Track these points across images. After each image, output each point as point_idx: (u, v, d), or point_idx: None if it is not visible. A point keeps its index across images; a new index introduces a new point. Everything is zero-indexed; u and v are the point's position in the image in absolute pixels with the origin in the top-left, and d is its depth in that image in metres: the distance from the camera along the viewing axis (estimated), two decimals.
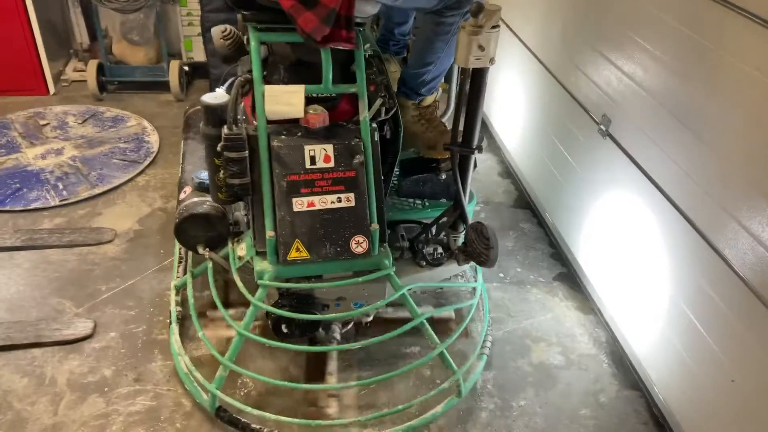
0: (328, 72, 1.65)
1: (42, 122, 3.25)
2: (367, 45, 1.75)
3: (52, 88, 3.55)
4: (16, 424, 1.77)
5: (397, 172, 2.13)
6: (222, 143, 1.60)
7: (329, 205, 1.67)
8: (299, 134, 1.69)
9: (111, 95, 3.62)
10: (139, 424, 1.80)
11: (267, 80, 1.72)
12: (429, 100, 2.10)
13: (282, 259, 1.66)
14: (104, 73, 3.54)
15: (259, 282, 1.68)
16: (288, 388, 1.89)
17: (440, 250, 1.98)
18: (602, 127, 2.19)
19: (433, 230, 1.97)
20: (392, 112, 1.79)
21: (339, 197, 1.68)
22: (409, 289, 1.82)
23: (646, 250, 1.96)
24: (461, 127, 1.79)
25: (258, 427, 1.78)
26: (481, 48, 1.58)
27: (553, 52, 2.65)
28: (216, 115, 1.65)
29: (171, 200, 2.72)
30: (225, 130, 1.60)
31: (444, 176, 2.11)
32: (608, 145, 2.16)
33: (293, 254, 1.66)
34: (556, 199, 2.67)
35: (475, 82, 1.69)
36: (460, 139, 1.81)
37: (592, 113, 2.28)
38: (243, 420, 1.79)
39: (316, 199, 1.67)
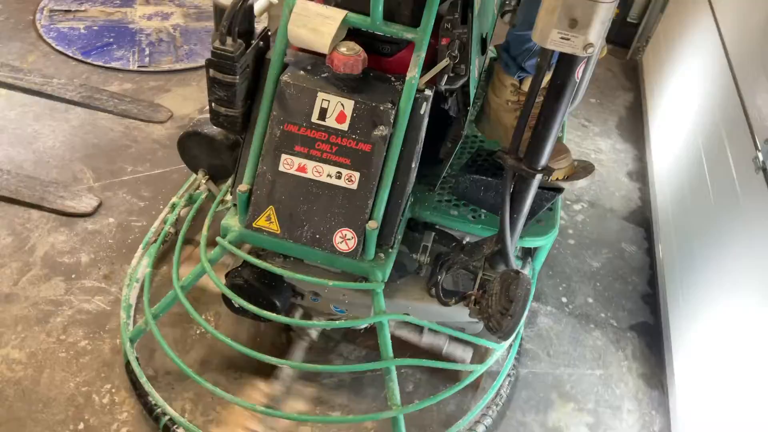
0: (377, 1, 1.18)
1: None
2: None
3: None
4: None
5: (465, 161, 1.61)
6: (208, 58, 1.25)
7: (323, 178, 1.27)
8: (323, 75, 1.26)
9: None
10: (82, 324, 1.65)
11: None
12: None
13: (249, 222, 1.32)
14: None
15: (218, 240, 1.36)
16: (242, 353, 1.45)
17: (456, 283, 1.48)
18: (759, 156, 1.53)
19: (462, 256, 1.43)
20: (461, 80, 1.28)
21: (339, 172, 1.26)
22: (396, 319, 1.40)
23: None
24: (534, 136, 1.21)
25: (153, 402, 1.47)
26: (573, 22, 0.98)
27: (746, 43, 1.92)
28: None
29: None
30: (216, 42, 1.25)
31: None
32: (759, 182, 1.51)
33: (261, 222, 1.31)
34: (677, 226, 2.03)
35: (557, 75, 1.10)
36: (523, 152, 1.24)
37: (756, 135, 1.61)
38: (140, 383, 1.49)
39: (310, 164, 1.26)
